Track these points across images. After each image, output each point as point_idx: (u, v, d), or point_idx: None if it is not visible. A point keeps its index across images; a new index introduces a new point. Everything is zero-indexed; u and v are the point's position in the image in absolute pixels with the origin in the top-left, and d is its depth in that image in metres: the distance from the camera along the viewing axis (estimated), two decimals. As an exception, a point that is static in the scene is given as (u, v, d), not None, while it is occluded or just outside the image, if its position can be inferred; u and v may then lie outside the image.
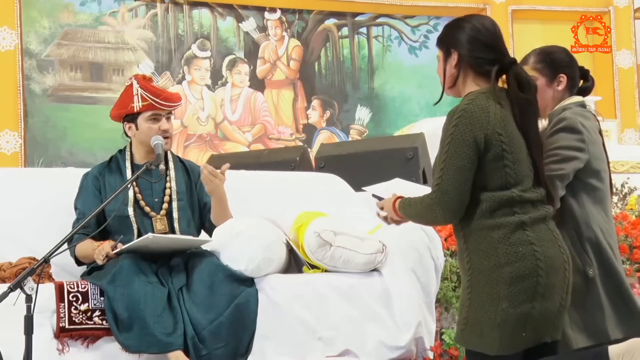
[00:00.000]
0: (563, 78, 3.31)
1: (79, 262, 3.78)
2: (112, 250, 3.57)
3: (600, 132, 3.29)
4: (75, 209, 3.84)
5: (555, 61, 3.33)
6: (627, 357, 2.75)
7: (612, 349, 2.80)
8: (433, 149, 3.65)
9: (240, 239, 3.66)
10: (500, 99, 2.81)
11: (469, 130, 2.75)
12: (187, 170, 4.00)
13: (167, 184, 3.88)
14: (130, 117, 3.85)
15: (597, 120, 3.32)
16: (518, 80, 2.84)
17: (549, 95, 3.30)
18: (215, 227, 3.87)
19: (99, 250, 3.58)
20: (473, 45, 2.85)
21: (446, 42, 2.92)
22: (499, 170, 2.78)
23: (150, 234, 3.54)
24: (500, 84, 2.88)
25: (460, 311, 2.88)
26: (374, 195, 3.22)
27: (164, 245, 3.61)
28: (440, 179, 2.77)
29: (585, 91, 3.38)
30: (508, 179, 2.78)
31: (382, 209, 3.06)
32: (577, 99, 3.32)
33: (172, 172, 3.91)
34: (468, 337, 2.81)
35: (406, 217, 2.98)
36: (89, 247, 3.66)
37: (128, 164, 3.89)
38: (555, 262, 2.78)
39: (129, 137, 3.92)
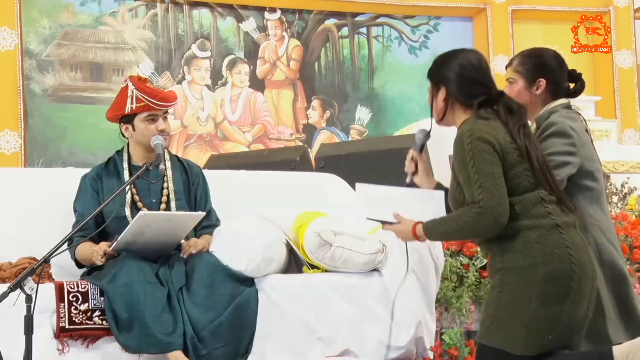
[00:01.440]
0: (542, 82, 3.32)
1: (79, 265, 3.77)
2: (109, 247, 3.56)
3: (587, 130, 3.31)
4: (75, 210, 3.83)
5: (537, 65, 3.33)
6: (630, 357, 2.76)
7: (617, 349, 2.80)
8: (433, 149, 3.59)
9: (240, 239, 3.65)
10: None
11: (484, 141, 2.82)
12: (186, 169, 3.98)
13: (165, 184, 3.87)
14: (127, 118, 3.84)
15: (584, 120, 3.34)
16: (509, 108, 2.93)
17: (527, 98, 3.32)
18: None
19: (96, 250, 3.57)
20: (460, 82, 2.97)
21: (435, 77, 3.04)
22: (521, 175, 2.85)
23: (142, 212, 3.52)
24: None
25: (485, 310, 2.89)
26: (369, 219, 3.20)
27: (158, 227, 3.57)
28: (480, 191, 2.78)
29: (575, 94, 3.40)
30: (531, 181, 2.85)
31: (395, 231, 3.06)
32: (562, 101, 3.34)
33: (169, 172, 3.90)
34: (493, 335, 2.82)
35: (434, 238, 3.00)
36: (89, 250, 3.65)
37: (125, 165, 3.87)
38: (587, 270, 2.82)
39: (126, 138, 3.91)
